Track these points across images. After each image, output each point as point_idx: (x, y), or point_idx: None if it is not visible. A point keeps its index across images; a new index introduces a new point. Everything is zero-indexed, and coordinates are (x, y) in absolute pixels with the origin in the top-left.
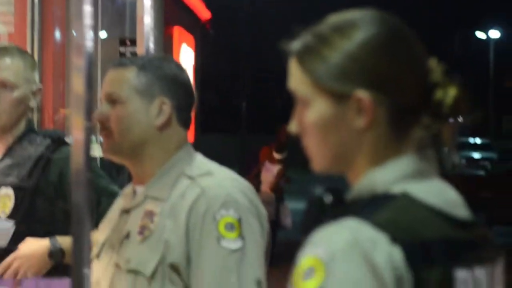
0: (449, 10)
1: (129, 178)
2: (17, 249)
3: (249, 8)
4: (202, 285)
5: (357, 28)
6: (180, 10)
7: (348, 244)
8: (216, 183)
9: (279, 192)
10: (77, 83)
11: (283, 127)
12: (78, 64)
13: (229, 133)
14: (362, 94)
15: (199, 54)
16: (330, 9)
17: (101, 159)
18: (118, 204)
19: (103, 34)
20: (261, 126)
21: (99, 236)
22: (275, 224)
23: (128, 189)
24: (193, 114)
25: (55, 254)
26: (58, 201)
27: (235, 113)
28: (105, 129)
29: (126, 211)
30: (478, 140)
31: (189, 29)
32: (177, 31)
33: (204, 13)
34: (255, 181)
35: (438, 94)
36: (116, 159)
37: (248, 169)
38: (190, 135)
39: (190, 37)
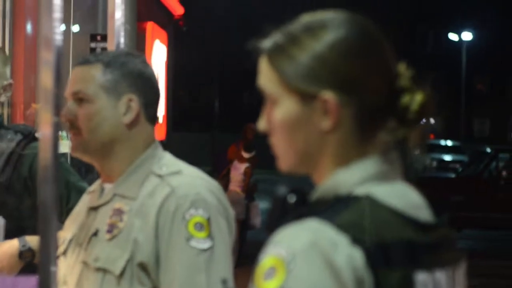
0: (423, 8)
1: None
2: None
3: (222, 4)
4: (171, 284)
5: (327, 29)
6: (153, 6)
7: (309, 244)
8: (186, 182)
9: (249, 191)
10: (46, 78)
11: (250, 126)
12: (46, 58)
13: (201, 131)
14: (328, 96)
15: (172, 50)
16: (302, 6)
17: (71, 156)
18: (85, 201)
19: (75, 29)
20: (233, 124)
21: (65, 233)
22: (244, 223)
23: (95, 186)
24: (164, 111)
25: (25, 254)
26: (28, 197)
27: (207, 110)
28: (73, 127)
29: (93, 209)
30: (449, 143)
31: (162, 25)
32: (150, 27)
33: (177, 9)
34: (224, 180)
35: (405, 99)
36: (84, 157)
37: (217, 167)
38: (162, 132)
39: (163, 33)
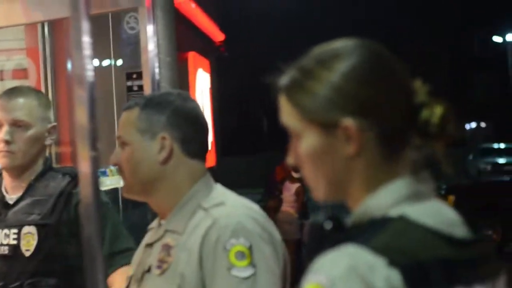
0: (467, 11)
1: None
2: None
3: (263, 26)
4: None
5: (338, 58)
6: (193, 35)
7: (347, 270)
8: (227, 213)
9: (303, 209)
10: (81, 114)
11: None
12: (80, 94)
13: (252, 153)
14: (348, 122)
15: (215, 77)
16: (341, 25)
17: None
18: (145, 238)
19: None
20: (284, 144)
21: (129, 270)
22: (299, 242)
23: (154, 223)
24: (212, 137)
25: None
26: (75, 238)
27: (256, 132)
28: (120, 171)
29: (149, 245)
30: (502, 145)
31: (203, 53)
32: (192, 57)
33: (218, 36)
34: (276, 201)
35: (424, 114)
36: (133, 198)
37: (269, 188)
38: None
39: (205, 61)
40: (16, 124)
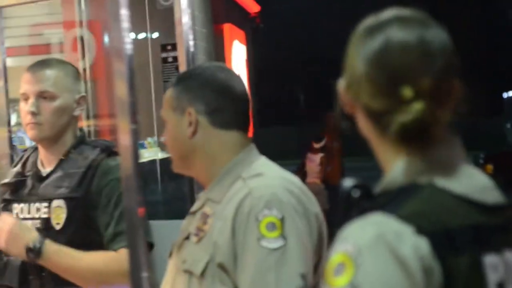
0: None
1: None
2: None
3: None
4: (244, 284)
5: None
6: (228, 7)
7: (374, 238)
8: (263, 184)
9: (333, 180)
10: (120, 88)
11: (330, 115)
12: (119, 68)
13: (288, 125)
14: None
15: (251, 49)
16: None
17: (160, 161)
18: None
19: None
20: (319, 115)
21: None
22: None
23: (201, 193)
24: (248, 112)
25: (31, 250)
26: (100, 211)
27: (292, 103)
28: (166, 147)
29: (192, 214)
30: None
31: (239, 24)
32: (228, 28)
33: (253, 7)
34: (300, 174)
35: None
36: (181, 172)
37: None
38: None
39: (241, 33)
40: (42, 96)
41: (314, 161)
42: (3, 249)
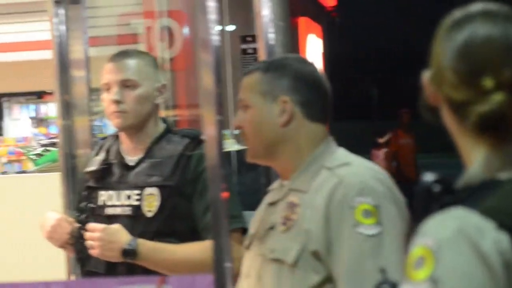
0: None
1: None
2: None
3: None
4: (340, 271)
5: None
6: (305, 0)
7: (455, 233)
8: (353, 172)
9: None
10: (206, 79)
11: (404, 110)
12: (205, 59)
13: (361, 120)
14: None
15: (326, 43)
16: None
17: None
18: (266, 198)
19: (230, 30)
20: (392, 111)
21: (250, 229)
22: None
23: (276, 184)
24: (331, 106)
25: (127, 252)
26: (198, 199)
27: (365, 99)
28: (243, 134)
29: (272, 204)
30: None
31: (315, 18)
32: (303, 22)
33: (330, 1)
34: None
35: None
36: (257, 161)
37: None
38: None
39: (317, 27)
40: (124, 84)
41: (378, 157)
42: (99, 256)
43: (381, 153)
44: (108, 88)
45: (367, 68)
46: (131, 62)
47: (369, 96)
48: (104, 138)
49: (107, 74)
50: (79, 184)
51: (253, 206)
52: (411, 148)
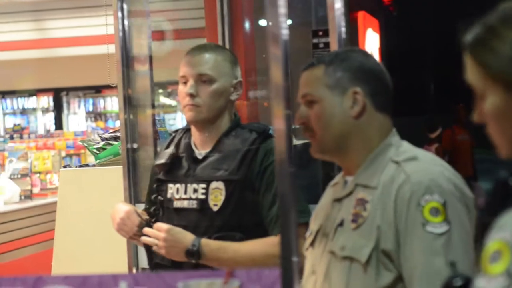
0: None
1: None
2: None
3: None
4: (412, 271)
5: None
6: None
7: None
8: (420, 168)
9: (470, 172)
10: (276, 73)
11: (461, 106)
12: (275, 53)
13: (417, 115)
14: None
15: (384, 37)
16: None
17: (295, 146)
18: (329, 194)
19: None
20: (448, 106)
21: (312, 225)
22: None
23: (338, 179)
24: (392, 97)
25: (191, 253)
26: (265, 192)
27: (423, 95)
28: (308, 130)
29: (338, 200)
30: None
31: (372, 12)
32: (362, 16)
33: None
34: None
35: None
36: (324, 157)
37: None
38: None
39: (375, 21)
40: (201, 79)
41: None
42: (164, 255)
43: (432, 148)
44: (185, 81)
45: (424, 63)
46: (209, 57)
47: (426, 91)
48: (175, 132)
49: (184, 67)
50: (151, 177)
51: (309, 201)
52: (468, 144)
